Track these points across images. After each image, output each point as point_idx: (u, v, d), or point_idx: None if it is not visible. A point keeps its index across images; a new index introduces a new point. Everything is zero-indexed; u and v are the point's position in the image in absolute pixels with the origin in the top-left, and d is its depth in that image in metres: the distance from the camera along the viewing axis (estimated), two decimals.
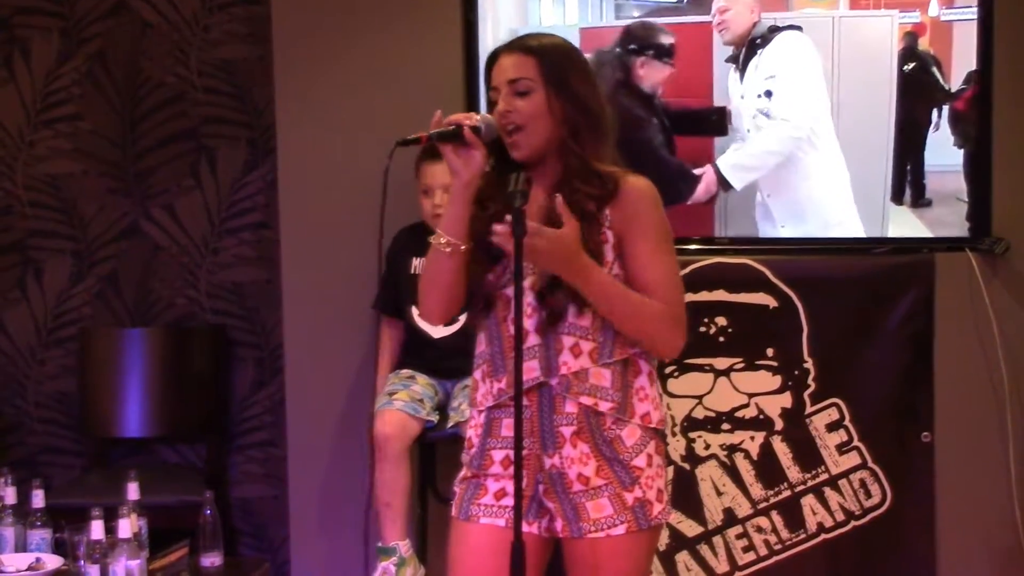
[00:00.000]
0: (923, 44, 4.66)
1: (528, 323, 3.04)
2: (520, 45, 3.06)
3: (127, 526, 3.96)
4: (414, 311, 4.40)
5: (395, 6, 4.99)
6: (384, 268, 4.51)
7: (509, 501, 3.06)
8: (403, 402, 4.46)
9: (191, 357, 5.72)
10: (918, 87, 4.69)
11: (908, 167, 4.70)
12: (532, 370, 3.03)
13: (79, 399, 5.72)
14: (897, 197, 4.72)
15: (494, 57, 3.08)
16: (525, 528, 3.03)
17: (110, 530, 3.97)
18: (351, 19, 5.03)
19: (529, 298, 3.04)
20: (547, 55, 3.03)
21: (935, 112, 4.69)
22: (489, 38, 4.73)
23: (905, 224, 4.72)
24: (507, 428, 3.09)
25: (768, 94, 4.72)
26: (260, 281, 5.65)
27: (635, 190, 3.05)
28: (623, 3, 4.83)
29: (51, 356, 5.81)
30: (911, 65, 4.68)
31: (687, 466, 4.72)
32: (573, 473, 3.04)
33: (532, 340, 3.04)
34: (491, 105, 3.08)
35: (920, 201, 4.71)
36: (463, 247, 3.04)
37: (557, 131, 3.03)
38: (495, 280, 3.08)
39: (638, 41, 4.79)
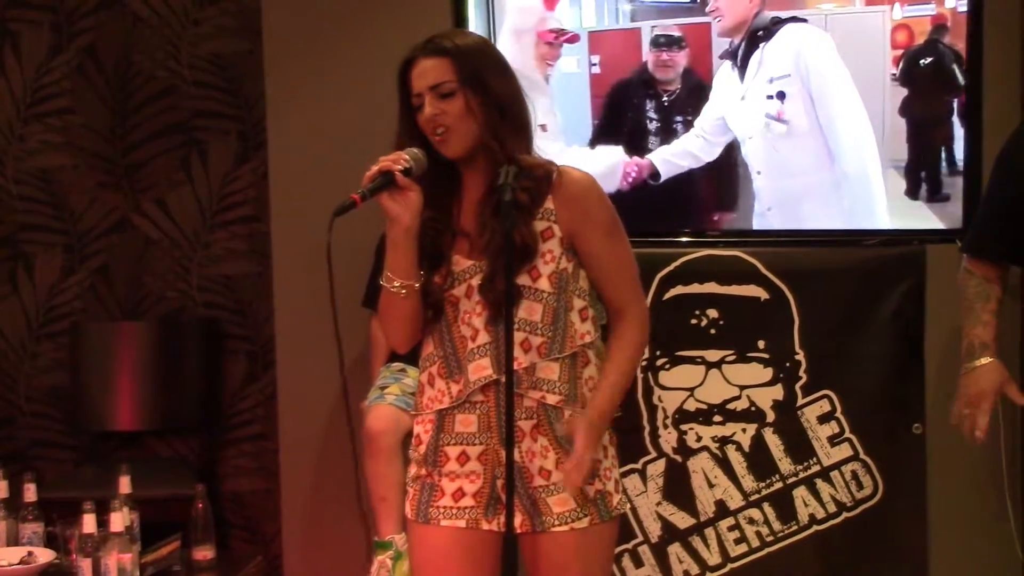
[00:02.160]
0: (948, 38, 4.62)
1: (477, 321, 3.05)
2: (435, 48, 3.03)
3: (119, 520, 3.97)
4: None
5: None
6: (374, 264, 4.51)
7: (468, 502, 3.09)
8: (395, 396, 4.46)
9: (183, 351, 5.72)
10: (934, 82, 4.67)
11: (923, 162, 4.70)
12: (484, 368, 3.04)
13: (71, 393, 5.73)
14: (913, 192, 4.70)
15: (410, 63, 3.05)
16: (484, 527, 3.08)
17: (102, 524, 3.98)
18: (341, 12, 5.04)
19: (478, 296, 3.05)
20: (461, 55, 3.01)
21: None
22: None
23: (924, 219, 4.70)
24: (461, 424, 3.10)
25: (781, 96, 4.69)
26: (252, 274, 5.66)
27: (578, 185, 3.08)
28: (637, 7, 4.82)
29: (42, 350, 5.81)
30: (928, 60, 4.66)
31: (679, 458, 4.73)
32: (535, 467, 3.05)
33: (482, 338, 3.05)
34: (410, 111, 3.05)
35: (936, 196, 4.70)
36: (417, 284, 3.04)
37: (481, 129, 3.02)
38: (440, 282, 3.08)
39: None
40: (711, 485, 4.72)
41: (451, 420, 3.10)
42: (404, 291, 3.03)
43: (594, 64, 4.86)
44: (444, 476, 3.11)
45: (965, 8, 4.56)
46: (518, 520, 3.05)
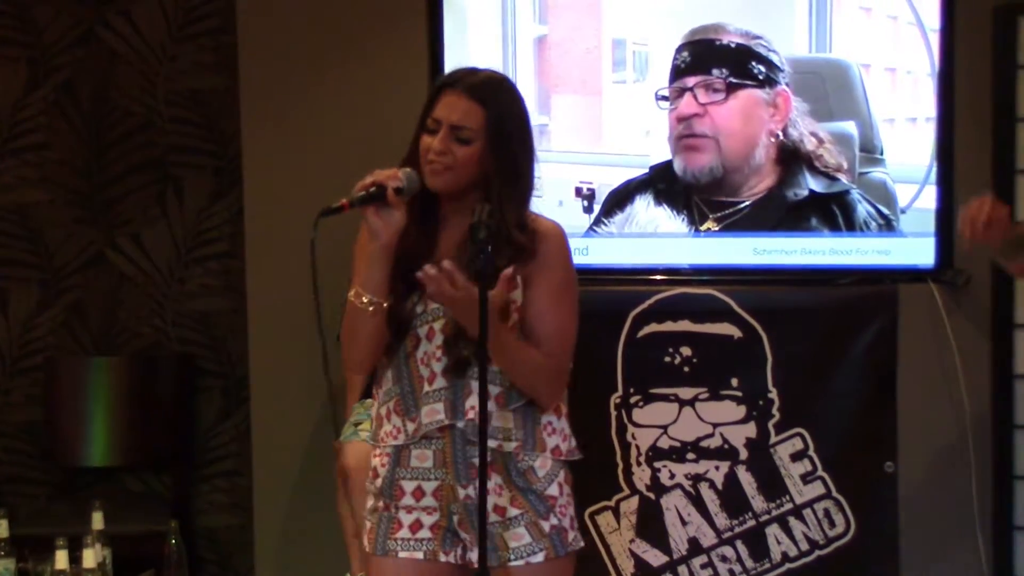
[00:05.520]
0: None
1: (436, 365, 3.06)
2: (476, 92, 3.02)
3: (92, 556, 3.95)
4: None
5: (362, 37, 5.02)
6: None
7: (426, 534, 3.11)
8: (369, 432, 4.45)
9: (157, 386, 5.71)
10: None
11: None
12: (437, 412, 3.05)
13: (44, 428, 5.70)
14: None
15: (445, 87, 3.05)
16: (442, 558, 3.11)
17: (75, 560, 3.96)
18: (318, 50, 5.05)
19: (439, 340, 3.06)
20: (497, 115, 3.01)
21: None
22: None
23: None
24: (418, 459, 3.11)
25: None
26: (226, 310, 5.65)
27: (543, 235, 3.08)
28: None
29: (16, 385, 5.79)
30: None
31: (652, 495, 4.73)
32: (489, 505, 3.05)
33: (439, 383, 3.06)
34: (423, 129, 3.05)
35: None
36: (385, 304, 3.04)
37: (482, 179, 3.02)
38: (409, 308, 3.08)
39: None
40: (684, 522, 4.72)
41: (407, 454, 3.12)
42: (372, 308, 3.03)
43: None
44: (401, 509, 3.13)
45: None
46: (476, 555, 3.07)
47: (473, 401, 3.01)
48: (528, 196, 3.10)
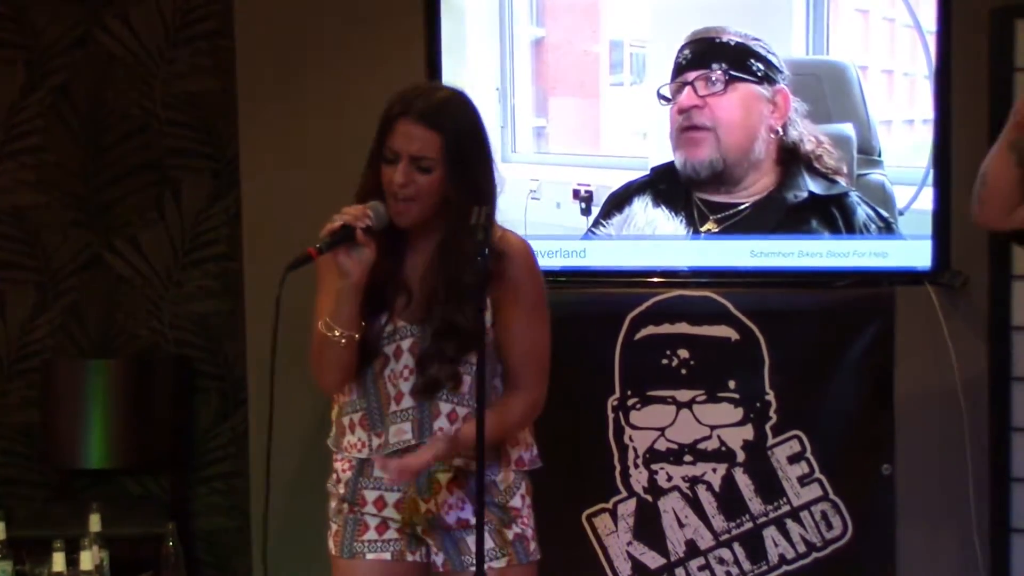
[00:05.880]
0: None
1: (404, 385, 3.07)
2: (431, 120, 2.99)
3: (89, 558, 3.94)
4: None
5: (359, 40, 5.02)
6: None
7: (392, 535, 3.15)
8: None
9: (154, 388, 5.71)
10: None
11: None
12: (404, 432, 3.08)
13: (41, 430, 5.70)
14: None
15: (399, 115, 3.01)
16: (409, 558, 3.17)
17: (72, 562, 3.96)
18: (315, 53, 5.05)
19: (408, 361, 3.06)
20: (454, 138, 2.99)
21: None
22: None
23: None
24: (381, 470, 3.12)
25: None
26: (224, 312, 5.65)
27: (513, 253, 3.09)
28: None
29: (13, 387, 5.79)
30: None
31: (649, 498, 4.73)
32: (451, 519, 3.11)
33: (407, 402, 3.08)
34: (382, 159, 3.03)
35: None
36: (358, 336, 3.04)
37: (446, 205, 3.02)
38: (380, 329, 3.09)
39: None
40: (682, 525, 4.72)
41: (370, 465, 3.16)
42: (344, 341, 3.03)
43: None
44: (366, 514, 3.17)
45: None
46: (440, 559, 3.13)
47: (442, 422, 3.06)
48: (492, 212, 3.09)
